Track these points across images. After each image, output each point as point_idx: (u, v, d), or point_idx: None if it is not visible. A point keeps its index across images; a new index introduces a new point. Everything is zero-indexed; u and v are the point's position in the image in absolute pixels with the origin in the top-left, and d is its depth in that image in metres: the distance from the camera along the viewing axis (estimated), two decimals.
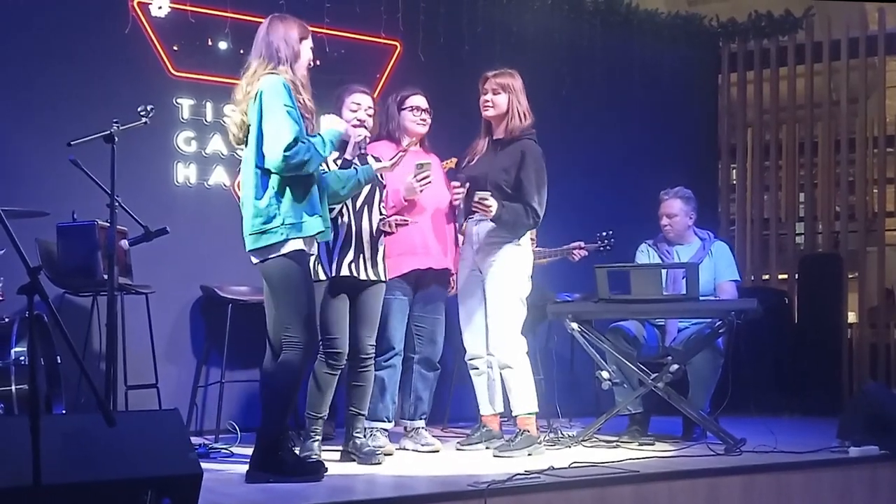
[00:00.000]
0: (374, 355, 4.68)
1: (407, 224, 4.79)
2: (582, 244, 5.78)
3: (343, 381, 4.69)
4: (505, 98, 5.01)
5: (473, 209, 4.92)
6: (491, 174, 4.97)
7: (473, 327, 5.07)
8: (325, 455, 4.47)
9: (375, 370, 4.79)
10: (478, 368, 5.11)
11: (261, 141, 3.97)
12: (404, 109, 5.07)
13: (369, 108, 4.72)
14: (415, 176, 4.81)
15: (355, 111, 4.67)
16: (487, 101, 5.03)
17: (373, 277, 4.61)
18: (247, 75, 4.08)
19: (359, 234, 4.58)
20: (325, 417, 4.55)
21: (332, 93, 4.78)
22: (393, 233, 4.75)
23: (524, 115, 5.02)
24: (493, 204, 4.83)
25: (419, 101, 5.09)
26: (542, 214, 4.97)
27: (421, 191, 4.85)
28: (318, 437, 4.50)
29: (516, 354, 4.94)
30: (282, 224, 3.94)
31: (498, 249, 4.95)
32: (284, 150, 3.87)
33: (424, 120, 5.09)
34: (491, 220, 4.90)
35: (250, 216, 4.00)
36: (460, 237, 5.21)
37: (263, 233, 3.96)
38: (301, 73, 4.12)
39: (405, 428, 5.13)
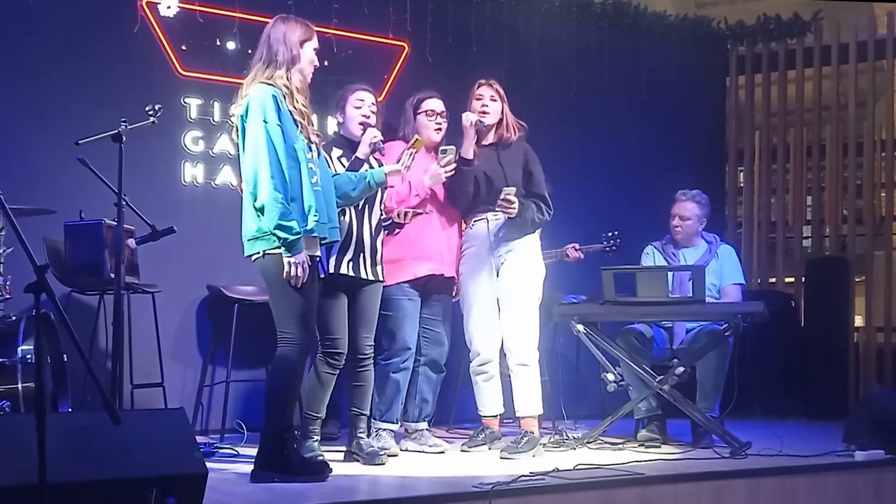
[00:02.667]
0: (372, 355, 4.65)
1: (421, 214, 4.77)
2: (577, 246, 5.79)
3: (344, 382, 4.68)
4: (499, 106, 5.05)
5: (497, 208, 4.92)
6: (507, 172, 4.98)
7: (488, 330, 5.02)
8: (328, 455, 4.45)
9: (392, 372, 4.81)
10: (488, 372, 5.07)
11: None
12: (420, 113, 5.04)
13: (372, 104, 4.68)
14: (438, 162, 4.78)
15: (359, 108, 4.64)
16: (486, 106, 5.03)
17: (371, 277, 4.60)
18: (246, 79, 4.05)
19: (360, 234, 4.57)
20: (323, 417, 4.52)
21: (338, 94, 4.78)
22: (406, 223, 4.75)
23: (515, 123, 5.09)
24: (516, 201, 4.86)
25: (435, 104, 5.03)
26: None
27: (447, 175, 4.80)
28: (316, 437, 4.48)
29: (534, 353, 4.95)
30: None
31: (517, 246, 4.98)
32: (278, 219, 3.84)
33: (440, 125, 5.03)
34: (512, 217, 4.91)
35: (248, 221, 3.98)
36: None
37: (258, 239, 3.94)
38: (299, 77, 4.05)
39: (406, 430, 5.10)
